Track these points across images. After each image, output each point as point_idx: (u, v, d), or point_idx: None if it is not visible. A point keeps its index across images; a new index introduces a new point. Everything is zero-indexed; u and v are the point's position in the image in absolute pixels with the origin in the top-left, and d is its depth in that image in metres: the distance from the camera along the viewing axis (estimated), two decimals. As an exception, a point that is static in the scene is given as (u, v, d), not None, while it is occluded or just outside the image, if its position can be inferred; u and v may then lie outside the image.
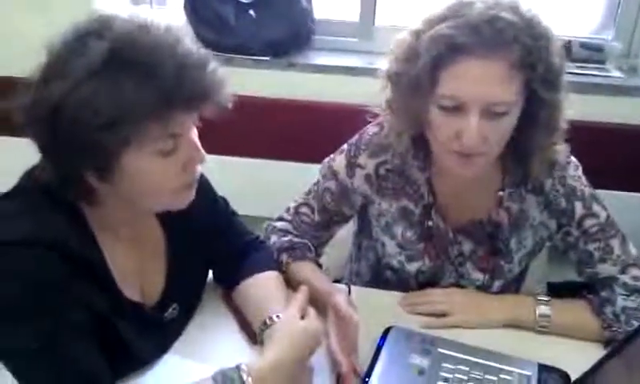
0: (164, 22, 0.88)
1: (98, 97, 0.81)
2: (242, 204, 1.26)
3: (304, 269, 1.22)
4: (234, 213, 1.24)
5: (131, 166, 0.88)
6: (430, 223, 1.23)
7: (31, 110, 0.84)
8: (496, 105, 1.01)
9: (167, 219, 1.07)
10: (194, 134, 0.95)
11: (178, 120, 0.87)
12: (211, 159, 1.14)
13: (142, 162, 0.88)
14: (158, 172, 0.90)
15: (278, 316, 1.04)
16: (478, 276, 1.24)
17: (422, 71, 1.03)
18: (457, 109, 1.03)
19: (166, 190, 0.93)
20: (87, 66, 0.81)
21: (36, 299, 0.84)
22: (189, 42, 0.88)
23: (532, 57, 1.00)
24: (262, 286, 1.15)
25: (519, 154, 1.14)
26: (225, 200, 1.23)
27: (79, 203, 0.93)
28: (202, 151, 0.95)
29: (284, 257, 1.24)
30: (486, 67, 1.00)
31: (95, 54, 0.81)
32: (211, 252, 1.17)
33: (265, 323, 1.05)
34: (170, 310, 1.08)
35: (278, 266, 1.21)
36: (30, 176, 0.94)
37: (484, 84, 1.01)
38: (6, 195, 0.93)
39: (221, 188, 1.21)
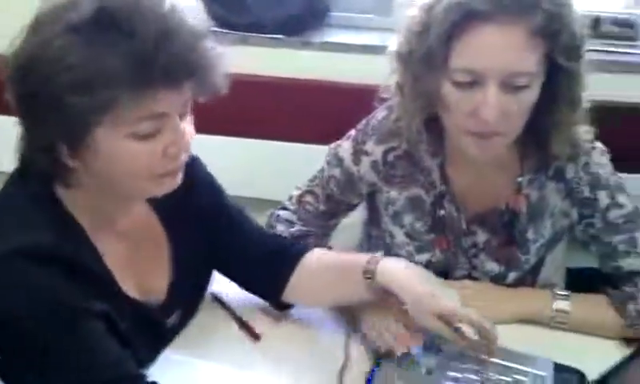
0: None
1: (71, 53, 0.76)
2: (255, 186, 1.22)
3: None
4: (242, 209, 1.15)
5: (104, 145, 0.81)
6: (442, 213, 1.16)
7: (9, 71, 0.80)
8: (516, 76, 0.95)
9: (164, 213, 1.02)
10: (185, 118, 0.86)
11: (158, 97, 0.80)
12: (222, 140, 1.10)
13: (117, 143, 0.81)
14: (135, 156, 0.82)
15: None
16: (493, 267, 1.18)
17: (434, 43, 0.97)
18: (473, 83, 0.97)
19: (143, 176, 0.85)
20: (66, 21, 0.77)
21: (29, 309, 0.80)
22: (188, 15, 0.81)
23: (555, 24, 0.94)
24: (323, 257, 1.12)
25: (539, 135, 1.07)
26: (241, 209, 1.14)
27: (65, 201, 0.88)
28: (187, 138, 0.86)
29: None
30: (504, 35, 0.94)
31: (80, 11, 0.77)
32: (224, 260, 1.10)
33: (368, 265, 1.03)
34: (174, 316, 1.02)
35: None
36: (15, 176, 0.89)
37: (503, 53, 0.94)
38: None
39: (233, 170, 1.16)
